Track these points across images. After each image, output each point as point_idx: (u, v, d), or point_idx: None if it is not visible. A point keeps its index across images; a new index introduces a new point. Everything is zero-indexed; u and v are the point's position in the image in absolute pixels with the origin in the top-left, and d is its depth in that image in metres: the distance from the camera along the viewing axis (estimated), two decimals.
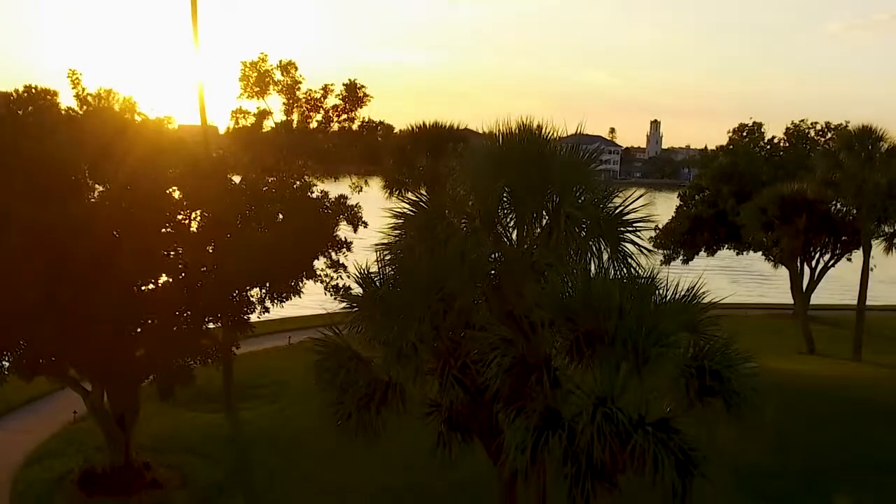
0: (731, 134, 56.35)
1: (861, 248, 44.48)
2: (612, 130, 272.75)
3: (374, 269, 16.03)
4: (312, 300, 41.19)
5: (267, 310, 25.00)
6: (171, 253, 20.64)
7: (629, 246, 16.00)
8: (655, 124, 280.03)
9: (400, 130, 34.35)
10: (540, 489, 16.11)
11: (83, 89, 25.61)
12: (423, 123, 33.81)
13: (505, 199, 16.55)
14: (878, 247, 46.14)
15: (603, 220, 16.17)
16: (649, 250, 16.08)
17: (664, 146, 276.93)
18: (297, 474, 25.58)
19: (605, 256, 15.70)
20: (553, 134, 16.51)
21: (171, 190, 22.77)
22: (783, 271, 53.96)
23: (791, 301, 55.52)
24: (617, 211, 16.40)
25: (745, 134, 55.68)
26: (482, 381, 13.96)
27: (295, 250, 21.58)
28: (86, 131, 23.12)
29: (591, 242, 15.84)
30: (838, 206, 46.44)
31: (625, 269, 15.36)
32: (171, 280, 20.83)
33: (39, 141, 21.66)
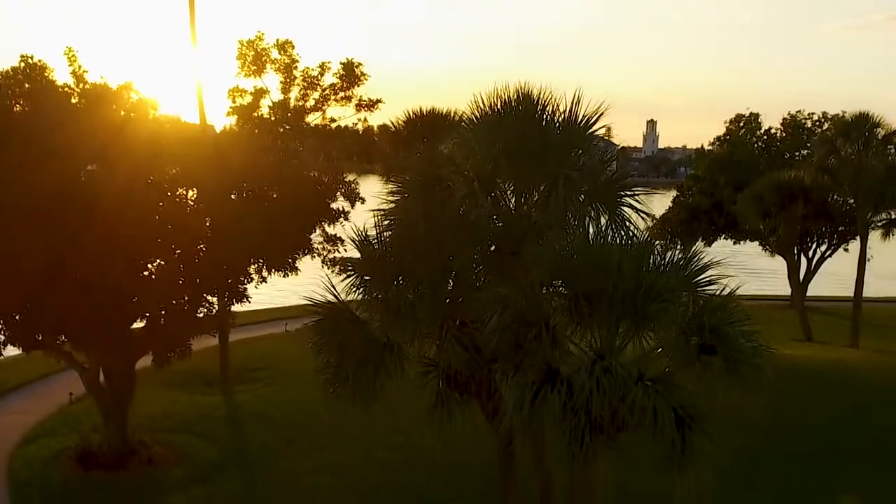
0: (728, 124, 56.35)
1: (858, 238, 44.64)
2: (608, 129, 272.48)
3: (371, 234, 16.00)
4: (309, 288, 41.36)
5: (264, 279, 24.88)
6: (170, 225, 20.51)
7: (627, 210, 16.08)
8: (652, 124, 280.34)
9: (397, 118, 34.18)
10: (538, 454, 16.10)
11: (79, 66, 25.54)
12: (420, 109, 33.69)
13: (503, 163, 16.55)
14: (875, 238, 46.24)
15: (601, 184, 16.20)
16: (647, 214, 16.07)
17: (660, 146, 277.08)
18: (294, 452, 25.50)
19: (604, 221, 15.71)
20: (552, 102, 16.45)
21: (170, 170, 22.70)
22: (779, 266, 54.08)
23: (787, 293, 55.66)
24: (615, 175, 16.42)
25: (741, 125, 55.67)
26: (480, 339, 13.91)
27: (292, 224, 21.46)
28: (83, 111, 23.01)
29: (589, 207, 15.83)
30: (835, 197, 46.54)
31: (623, 233, 15.34)
32: (171, 248, 20.67)
33: (35, 116, 21.57)
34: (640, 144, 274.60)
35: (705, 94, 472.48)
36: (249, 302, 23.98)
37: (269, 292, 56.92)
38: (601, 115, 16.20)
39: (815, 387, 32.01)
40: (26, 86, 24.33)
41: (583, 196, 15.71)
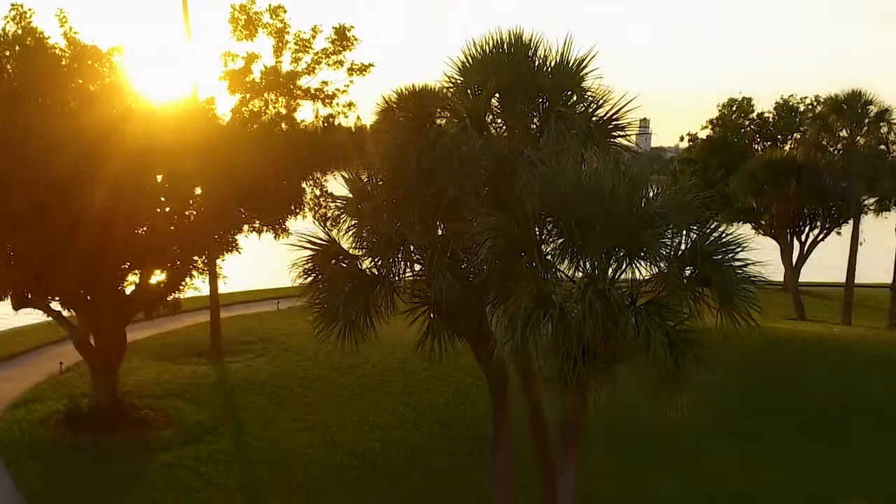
0: (720, 108, 56.37)
1: (851, 222, 44.63)
2: (646, 122, 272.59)
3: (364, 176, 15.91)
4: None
5: (256, 231, 24.69)
6: (159, 177, 20.33)
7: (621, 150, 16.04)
8: (644, 122, 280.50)
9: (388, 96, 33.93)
10: (528, 384, 16.00)
11: (70, 28, 25.28)
12: (413, 86, 33.47)
13: (495, 105, 16.48)
14: (868, 226, 46.32)
15: (594, 125, 16.15)
16: (641, 153, 16.01)
17: (653, 144, 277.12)
18: (286, 415, 25.35)
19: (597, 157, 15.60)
20: (544, 45, 16.39)
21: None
22: (772, 255, 53.88)
23: (779, 279, 55.70)
24: (608, 115, 16.36)
25: (734, 108, 55.71)
26: (472, 269, 13.81)
27: (284, 175, 21.26)
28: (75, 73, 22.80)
29: (582, 148, 15.74)
30: (828, 179, 46.60)
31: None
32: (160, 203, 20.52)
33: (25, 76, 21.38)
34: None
35: (701, 92, 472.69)
36: (240, 252, 23.81)
37: (261, 274, 56.88)
38: (592, 58, 16.16)
39: (808, 354, 32.02)
40: (17, 48, 24.15)
41: (575, 133, 15.61)
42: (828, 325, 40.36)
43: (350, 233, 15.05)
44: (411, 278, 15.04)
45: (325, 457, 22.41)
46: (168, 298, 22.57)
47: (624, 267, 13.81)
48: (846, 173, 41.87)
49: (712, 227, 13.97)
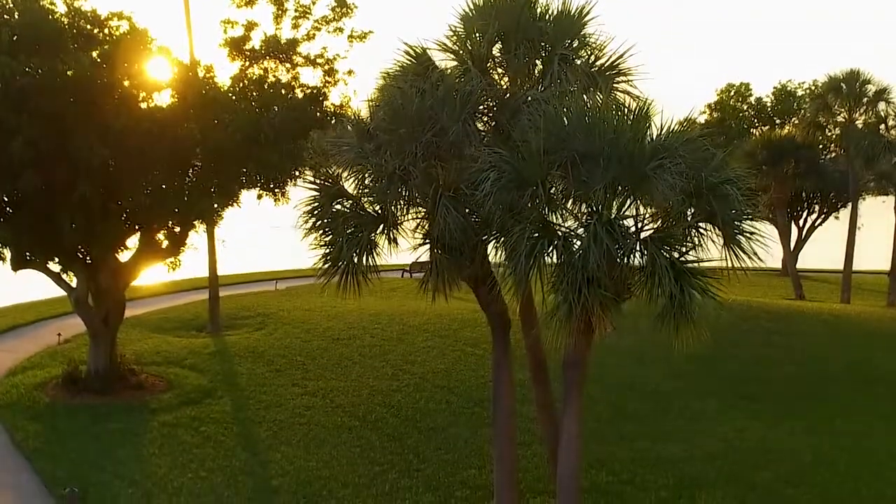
0: (719, 94, 56.40)
1: (848, 207, 44.55)
2: None
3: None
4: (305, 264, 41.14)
5: (258, 195, 24.60)
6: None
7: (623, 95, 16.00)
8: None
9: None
10: (529, 319, 15.93)
11: None
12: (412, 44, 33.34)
13: (497, 54, 16.42)
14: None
15: (597, 71, 16.12)
16: (643, 99, 15.93)
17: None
18: (285, 381, 25.27)
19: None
20: None
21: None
22: (770, 243, 53.53)
23: (776, 266, 55.68)
24: (611, 62, 16.31)
25: (732, 93, 55.75)
26: (476, 203, 13.71)
27: (279, 134, 21.11)
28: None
29: (584, 94, 15.68)
30: (826, 157, 46.66)
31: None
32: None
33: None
34: None
35: (696, 91, 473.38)
36: (240, 206, 23.68)
37: (262, 256, 56.76)
38: (594, 5, 16.15)
39: (807, 325, 32.01)
40: (16, 15, 24.02)
41: (577, 78, 15.56)
42: (827, 304, 40.36)
43: (352, 171, 14.95)
44: (413, 218, 14.94)
45: (326, 417, 22.32)
46: (168, 258, 22.38)
47: (629, 204, 13.76)
48: (845, 152, 41.84)
49: (717, 159, 13.90)
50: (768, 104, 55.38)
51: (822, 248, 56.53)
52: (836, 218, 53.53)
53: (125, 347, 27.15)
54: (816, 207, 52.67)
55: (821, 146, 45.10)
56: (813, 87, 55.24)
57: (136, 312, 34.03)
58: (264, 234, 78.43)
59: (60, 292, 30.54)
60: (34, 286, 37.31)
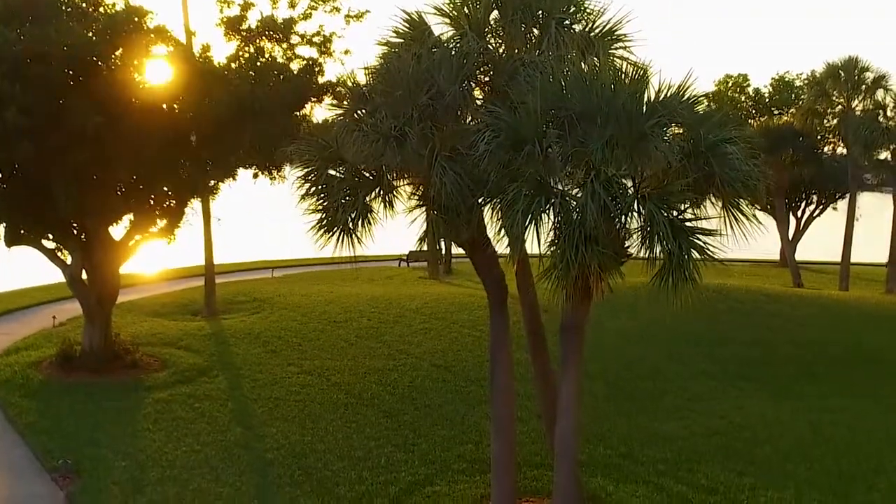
0: (717, 84, 56.24)
1: (846, 199, 44.37)
2: None
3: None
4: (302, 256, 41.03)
5: (254, 174, 24.43)
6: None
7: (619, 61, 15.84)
8: None
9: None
10: (525, 281, 15.78)
11: None
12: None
13: (493, 12, 16.26)
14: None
15: (595, 37, 15.98)
16: (640, 65, 15.78)
17: None
18: (281, 361, 25.10)
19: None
20: None
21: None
22: (768, 236, 53.47)
23: (774, 257, 55.57)
24: (608, 27, 16.17)
25: (730, 84, 55.62)
26: (472, 163, 13.56)
27: (278, 102, 20.95)
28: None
29: (581, 55, 15.56)
30: (824, 148, 46.51)
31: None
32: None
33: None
34: None
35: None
36: (235, 179, 23.48)
37: (258, 248, 56.57)
38: None
39: (806, 309, 31.88)
40: None
41: (574, 44, 15.43)
42: (826, 291, 40.25)
43: (348, 134, 14.77)
44: (409, 182, 14.80)
45: (322, 395, 22.16)
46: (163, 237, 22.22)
47: (626, 166, 13.59)
48: (843, 140, 41.71)
49: (715, 120, 13.77)
50: (766, 95, 55.19)
51: (820, 240, 56.47)
52: (835, 209, 53.40)
53: (121, 330, 26.96)
54: (815, 198, 52.54)
55: (819, 136, 44.88)
56: (811, 77, 55.20)
57: (132, 298, 33.90)
58: (262, 223, 78.16)
59: (55, 279, 30.47)
60: (28, 273, 37.25)
